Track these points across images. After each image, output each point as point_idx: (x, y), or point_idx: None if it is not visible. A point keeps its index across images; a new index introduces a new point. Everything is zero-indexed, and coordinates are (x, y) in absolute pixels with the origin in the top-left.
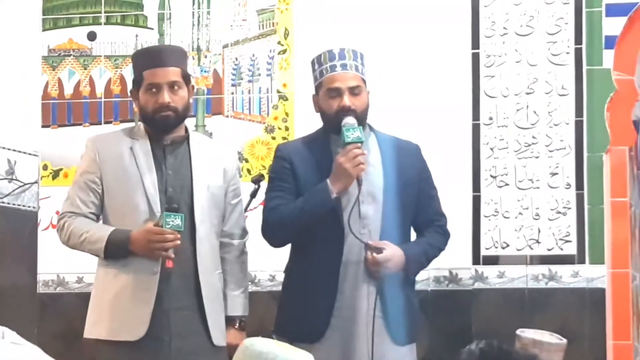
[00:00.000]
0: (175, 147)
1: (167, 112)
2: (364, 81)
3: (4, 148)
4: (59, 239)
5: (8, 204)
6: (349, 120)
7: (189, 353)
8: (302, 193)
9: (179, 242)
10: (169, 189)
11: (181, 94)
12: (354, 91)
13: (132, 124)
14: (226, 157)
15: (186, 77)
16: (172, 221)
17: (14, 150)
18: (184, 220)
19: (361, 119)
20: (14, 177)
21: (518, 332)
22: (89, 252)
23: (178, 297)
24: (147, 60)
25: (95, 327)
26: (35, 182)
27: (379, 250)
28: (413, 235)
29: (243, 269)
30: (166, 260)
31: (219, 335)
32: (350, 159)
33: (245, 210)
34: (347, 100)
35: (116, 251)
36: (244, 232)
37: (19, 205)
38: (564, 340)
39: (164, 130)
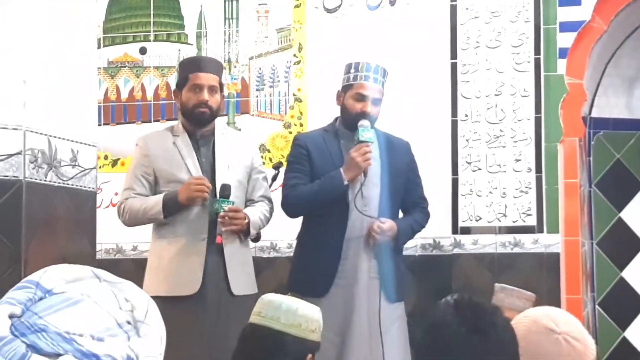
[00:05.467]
0: (206, 140)
1: (204, 108)
2: (383, 95)
3: (68, 140)
4: (120, 221)
5: (72, 185)
6: (365, 122)
7: (216, 303)
8: (316, 175)
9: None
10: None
11: (216, 97)
12: (375, 102)
13: (175, 122)
14: (246, 142)
15: (221, 85)
16: (226, 206)
17: (76, 142)
18: (233, 205)
19: (373, 123)
20: (76, 164)
21: (496, 285)
22: (148, 220)
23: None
24: (193, 65)
25: (154, 287)
26: (94, 168)
27: (383, 222)
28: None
29: (263, 217)
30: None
31: (238, 286)
32: (361, 154)
33: None
34: (369, 107)
35: (172, 207)
36: (270, 201)
37: (81, 186)
38: (534, 295)
39: (198, 124)
